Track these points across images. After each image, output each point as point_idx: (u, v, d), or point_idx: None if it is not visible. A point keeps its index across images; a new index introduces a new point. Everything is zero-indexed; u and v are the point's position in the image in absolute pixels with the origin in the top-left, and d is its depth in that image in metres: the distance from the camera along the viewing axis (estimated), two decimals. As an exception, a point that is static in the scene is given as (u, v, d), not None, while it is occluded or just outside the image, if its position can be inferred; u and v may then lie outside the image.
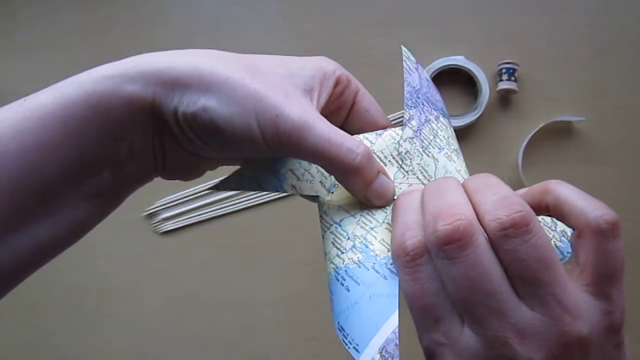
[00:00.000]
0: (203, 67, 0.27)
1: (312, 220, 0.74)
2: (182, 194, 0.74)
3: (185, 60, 0.27)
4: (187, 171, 0.33)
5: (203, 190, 0.74)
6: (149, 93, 0.27)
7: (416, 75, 0.38)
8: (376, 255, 0.31)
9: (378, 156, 0.33)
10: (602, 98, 0.72)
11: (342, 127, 0.31)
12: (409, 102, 0.35)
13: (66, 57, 0.77)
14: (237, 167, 0.33)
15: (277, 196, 0.72)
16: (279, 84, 0.28)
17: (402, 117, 0.72)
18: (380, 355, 0.30)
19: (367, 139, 0.34)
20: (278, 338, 0.72)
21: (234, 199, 0.74)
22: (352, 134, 0.30)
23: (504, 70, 0.70)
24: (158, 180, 0.72)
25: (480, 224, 0.26)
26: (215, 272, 0.73)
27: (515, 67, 0.70)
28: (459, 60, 0.70)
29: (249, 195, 0.73)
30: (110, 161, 0.27)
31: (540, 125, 0.70)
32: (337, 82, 0.33)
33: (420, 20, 0.74)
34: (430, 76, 0.70)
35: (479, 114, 0.70)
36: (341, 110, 0.35)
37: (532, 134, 0.70)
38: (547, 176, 0.72)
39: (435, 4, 0.74)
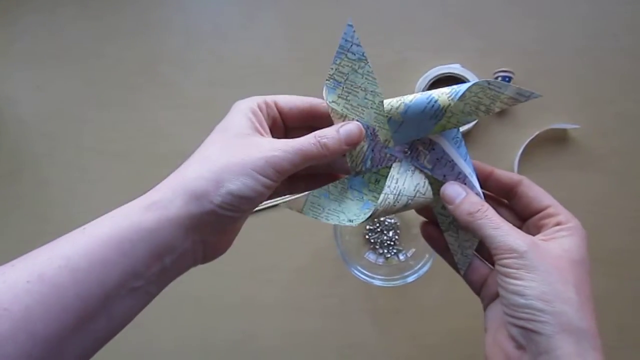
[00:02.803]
0: (214, 172, 0.35)
1: (308, 227, 0.75)
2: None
3: (200, 174, 0.35)
4: (222, 247, 0.43)
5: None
6: (183, 211, 0.34)
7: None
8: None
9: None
10: (597, 106, 0.72)
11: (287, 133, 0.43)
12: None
13: (67, 66, 0.78)
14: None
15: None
16: (243, 143, 0.37)
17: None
18: None
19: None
20: (276, 343, 0.72)
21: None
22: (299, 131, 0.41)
23: (499, 79, 0.71)
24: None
25: None
26: (213, 278, 0.73)
27: (510, 75, 0.71)
28: (455, 68, 0.71)
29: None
30: (158, 269, 0.35)
31: (536, 133, 0.70)
32: (260, 109, 0.41)
33: (417, 29, 0.75)
34: (427, 84, 0.71)
35: (474, 122, 0.70)
36: (277, 124, 0.43)
37: (527, 141, 0.70)
38: (542, 182, 0.72)
39: (432, 14, 0.75)
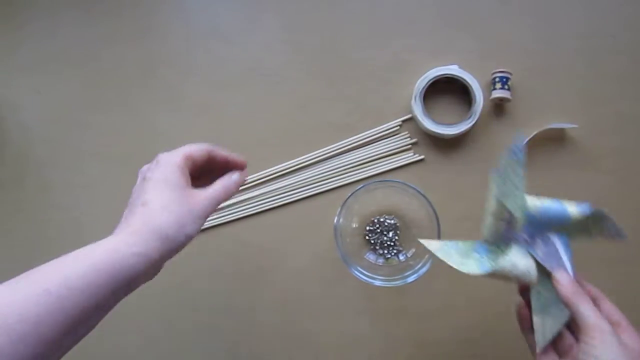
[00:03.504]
0: (177, 218, 0.48)
1: (309, 229, 0.75)
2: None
3: (168, 221, 0.47)
4: None
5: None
6: (159, 252, 0.46)
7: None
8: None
9: None
10: (594, 105, 0.73)
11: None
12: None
13: (69, 71, 0.78)
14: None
15: (286, 202, 0.73)
16: (185, 195, 0.50)
17: (394, 127, 0.73)
18: None
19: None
20: (276, 344, 0.73)
21: (231, 208, 0.74)
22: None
23: (497, 79, 0.71)
24: None
25: None
26: (215, 280, 0.74)
27: (508, 75, 0.71)
28: (453, 69, 0.72)
29: (246, 205, 0.74)
30: (133, 288, 0.46)
31: (534, 133, 0.71)
32: (185, 164, 0.51)
33: (415, 31, 0.75)
34: (425, 85, 0.71)
35: (473, 122, 0.71)
36: (215, 167, 0.56)
37: (526, 141, 0.71)
38: (540, 182, 0.73)
39: (429, 15, 0.75)
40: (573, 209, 0.53)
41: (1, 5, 0.80)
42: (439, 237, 0.63)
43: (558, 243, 0.54)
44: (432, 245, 0.55)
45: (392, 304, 0.72)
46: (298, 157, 0.74)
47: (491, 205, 0.55)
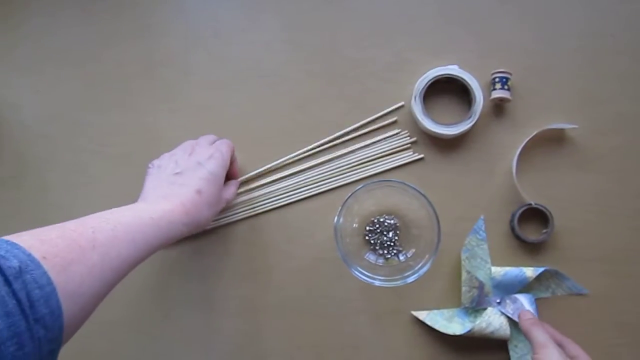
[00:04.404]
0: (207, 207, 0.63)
1: (308, 229, 0.75)
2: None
3: (203, 215, 0.61)
4: None
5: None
6: (187, 231, 0.59)
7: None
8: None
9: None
10: (594, 106, 0.73)
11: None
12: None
13: (68, 70, 0.78)
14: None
15: (281, 203, 0.73)
16: (220, 189, 0.65)
17: (394, 125, 0.73)
18: None
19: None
20: (277, 345, 0.73)
21: (230, 209, 0.74)
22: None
23: (497, 79, 0.71)
24: None
25: None
26: (214, 280, 0.74)
27: (508, 76, 0.71)
28: (453, 69, 0.72)
29: (247, 205, 0.74)
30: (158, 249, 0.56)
31: (534, 133, 0.71)
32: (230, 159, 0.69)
33: (415, 31, 0.75)
34: (425, 85, 0.71)
35: (473, 122, 0.71)
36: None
37: (525, 141, 0.71)
38: (541, 183, 0.73)
39: (429, 15, 0.75)
40: (529, 271, 0.68)
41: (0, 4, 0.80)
42: (438, 238, 0.63)
43: (523, 299, 0.68)
44: (421, 314, 0.70)
45: (393, 304, 0.72)
46: (297, 157, 0.74)
47: (465, 277, 0.67)
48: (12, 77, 0.79)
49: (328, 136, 0.74)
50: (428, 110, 0.72)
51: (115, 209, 0.54)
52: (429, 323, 0.69)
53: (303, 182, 0.74)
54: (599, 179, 0.72)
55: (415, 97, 0.71)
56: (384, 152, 0.73)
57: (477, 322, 0.66)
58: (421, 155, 0.73)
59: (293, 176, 0.74)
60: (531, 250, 0.71)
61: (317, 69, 0.76)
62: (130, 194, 0.72)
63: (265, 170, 0.75)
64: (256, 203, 0.74)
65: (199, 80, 0.77)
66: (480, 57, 0.74)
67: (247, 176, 0.74)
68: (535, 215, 0.71)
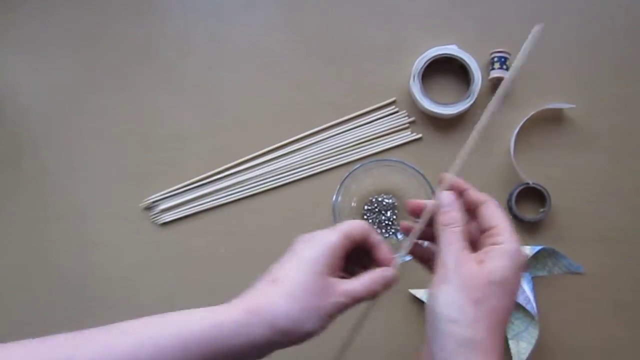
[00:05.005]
0: (297, 313, 0.42)
1: (306, 208, 0.75)
2: (181, 185, 0.75)
3: (287, 313, 0.41)
4: None
5: (200, 180, 0.75)
6: (266, 340, 0.41)
7: None
8: None
9: None
10: (592, 86, 0.73)
11: None
12: None
13: (65, 51, 0.78)
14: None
15: (272, 185, 0.74)
16: (322, 286, 0.44)
17: (392, 105, 0.73)
18: None
19: None
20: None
21: (230, 189, 0.74)
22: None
23: (495, 59, 0.71)
24: (155, 172, 0.72)
25: None
26: (214, 262, 0.74)
27: (506, 55, 0.71)
28: (452, 49, 0.71)
29: (246, 185, 0.74)
30: None
31: (532, 113, 0.71)
32: (347, 239, 0.46)
33: (414, 10, 0.75)
34: (423, 65, 0.71)
35: (471, 102, 0.71)
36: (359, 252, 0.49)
37: (523, 121, 0.71)
38: (538, 162, 0.73)
39: (427, -6, 0.75)
40: (527, 250, 0.67)
41: (-4, -17, 0.79)
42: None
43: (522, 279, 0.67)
44: (419, 292, 0.69)
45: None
46: (296, 137, 0.74)
47: None
48: (10, 58, 0.78)
49: (326, 116, 0.74)
50: (426, 90, 0.72)
51: (147, 320, 0.43)
52: (426, 301, 0.69)
53: (301, 162, 0.74)
54: (596, 158, 0.72)
55: (413, 77, 0.71)
56: (383, 131, 0.74)
57: None
58: (419, 135, 0.73)
59: (291, 156, 0.74)
60: (528, 229, 0.71)
61: (315, 49, 0.76)
62: (129, 174, 0.73)
63: (263, 150, 0.75)
64: (253, 183, 0.74)
65: (197, 60, 0.76)
66: (479, 37, 0.74)
67: (245, 158, 0.75)
68: (533, 195, 0.71)
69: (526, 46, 0.47)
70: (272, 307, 0.42)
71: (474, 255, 0.43)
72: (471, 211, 0.47)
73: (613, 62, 0.73)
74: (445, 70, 0.73)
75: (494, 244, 0.43)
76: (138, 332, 0.40)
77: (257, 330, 0.41)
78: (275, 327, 0.41)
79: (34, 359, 0.37)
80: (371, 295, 0.46)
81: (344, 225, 0.46)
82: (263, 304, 0.42)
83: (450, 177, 0.48)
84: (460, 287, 0.41)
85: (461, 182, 0.49)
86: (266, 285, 0.44)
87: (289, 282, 0.43)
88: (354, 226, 0.46)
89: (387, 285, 0.47)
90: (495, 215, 0.45)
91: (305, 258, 0.45)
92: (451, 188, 0.48)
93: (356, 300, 0.45)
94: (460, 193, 0.48)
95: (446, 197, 0.47)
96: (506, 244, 0.42)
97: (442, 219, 0.45)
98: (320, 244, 0.45)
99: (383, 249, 0.48)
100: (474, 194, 0.48)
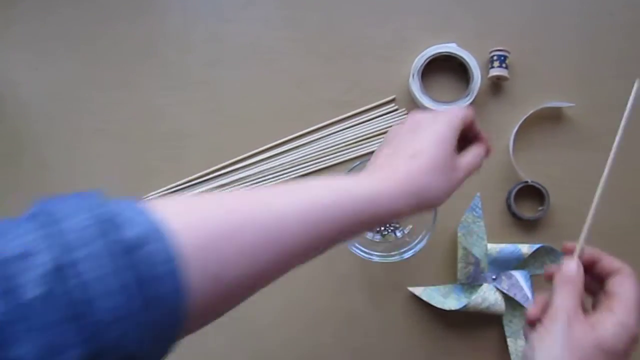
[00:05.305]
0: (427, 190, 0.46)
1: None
2: (181, 183, 0.75)
3: (424, 183, 0.45)
4: None
5: (200, 177, 0.75)
6: (407, 209, 0.44)
7: None
8: None
9: None
10: (592, 84, 0.73)
11: None
12: None
13: (66, 47, 0.78)
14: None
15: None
16: (451, 167, 0.48)
17: (391, 103, 0.73)
18: None
19: None
20: (273, 319, 0.73)
21: (230, 186, 0.75)
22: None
23: (495, 58, 0.71)
24: (155, 169, 0.72)
25: None
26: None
27: (506, 54, 0.71)
28: (451, 47, 0.72)
29: (245, 182, 0.74)
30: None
31: (531, 111, 0.71)
32: (463, 122, 0.50)
33: (414, 9, 0.75)
34: (422, 63, 0.71)
35: (470, 100, 0.71)
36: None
37: (522, 119, 0.71)
38: (537, 160, 0.74)
39: (427, -8, 0.75)
40: (525, 248, 0.69)
41: (-4, -20, 0.79)
42: (435, 214, 0.63)
43: (519, 276, 0.68)
44: (417, 290, 0.71)
45: (390, 279, 0.72)
46: (295, 135, 0.75)
47: (461, 254, 0.68)
48: (11, 55, 0.79)
49: (326, 114, 0.74)
50: (426, 88, 0.72)
51: (300, 183, 0.42)
52: (425, 299, 0.70)
53: (301, 159, 0.74)
54: (595, 157, 0.72)
55: (413, 75, 0.72)
56: (382, 129, 0.74)
57: (473, 297, 0.67)
58: (419, 133, 0.73)
59: (290, 153, 0.75)
60: (527, 227, 0.72)
61: (315, 47, 0.76)
62: (129, 171, 0.73)
63: (263, 148, 0.75)
64: (253, 180, 0.75)
65: (197, 58, 0.77)
66: (478, 36, 0.74)
67: (245, 155, 0.75)
68: (532, 193, 0.72)
69: (631, 102, 0.52)
70: (420, 181, 0.45)
71: (586, 317, 0.44)
72: (603, 277, 0.48)
73: (613, 61, 0.73)
74: (445, 69, 0.73)
75: (611, 310, 0.43)
76: (314, 191, 0.41)
77: (407, 201, 0.44)
78: (420, 199, 0.44)
79: (241, 198, 0.39)
80: (475, 169, 0.50)
81: (461, 110, 0.50)
82: (412, 179, 0.45)
83: (579, 248, 0.49)
84: (565, 346, 0.42)
85: (594, 254, 0.50)
86: (407, 160, 0.46)
87: (429, 157, 0.45)
88: (468, 113, 0.50)
89: (482, 158, 0.52)
90: (624, 284, 0.46)
91: (440, 135, 0.47)
92: (582, 260, 0.48)
93: (468, 174, 0.49)
94: (592, 263, 0.49)
95: (570, 268, 0.47)
96: (624, 316, 0.43)
97: (560, 277, 0.47)
98: (447, 122, 0.48)
99: (477, 125, 0.53)
100: (609, 263, 0.48)
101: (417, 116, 0.50)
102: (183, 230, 0.33)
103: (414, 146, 0.47)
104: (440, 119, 0.48)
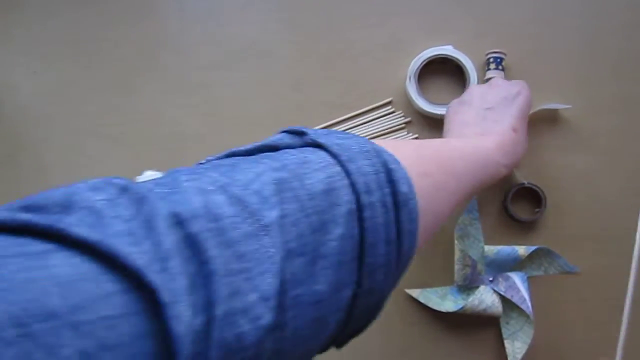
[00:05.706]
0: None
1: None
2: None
3: (520, 154, 0.58)
4: None
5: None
6: (504, 172, 0.54)
7: None
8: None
9: None
10: (589, 86, 0.73)
11: None
12: None
13: (65, 51, 0.78)
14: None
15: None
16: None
17: (388, 105, 0.74)
18: None
19: None
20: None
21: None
22: None
23: (491, 60, 0.71)
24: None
25: None
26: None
27: (502, 56, 0.71)
28: (448, 49, 0.72)
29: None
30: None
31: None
32: None
33: (410, 11, 0.75)
34: (419, 65, 0.71)
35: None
36: None
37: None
38: (534, 163, 0.74)
39: (424, -5, 0.75)
40: (522, 250, 0.69)
41: (-5, -16, 0.80)
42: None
43: (516, 278, 0.68)
44: (414, 292, 0.71)
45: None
46: (293, 137, 0.75)
47: (458, 255, 0.68)
48: (10, 58, 0.79)
49: (323, 116, 0.75)
50: (423, 91, 0.72)
51: (435, 141, 0.49)
52: (422, 301, 0.70)
53: (298, 162, 0.74)
54: (592, 159, 0.73)
55: (409, 77, 0.72)
56: (379, 131, 0.74)
57: (470, 299, 0.67)
58: (415, 135, 0.74)
59: (289, 156, 0.75)
60: (524, 229, 0.72)
61: (312, 49, 0.76)
62: (128, 174, 0.73)
63: (261, 150, 0.75)
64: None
65: (195, 60, 0.77)
66: (475, 38, 0.74)
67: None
68: (528, 195, 0.72)
69: None
70: (517, 152, 0.57)
71: None
72: None
73: (610, 62, 0.73)
74: (442, 71, 0.73)
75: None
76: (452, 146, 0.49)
77: (507, 167, 0.54)
78: (511, 166, 0.55)
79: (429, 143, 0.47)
80: None
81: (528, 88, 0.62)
82: (514, 149, 0.55)
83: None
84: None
85: None
86: (511, 134, 0.56)
87: (521, 133, 0.57)
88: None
89: None
90: None
91: (526, 113, 0.60)
92: None
93: None
94: None
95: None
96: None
97: None
98: (528, 102, 0.61)
99: None
100: None
101: (501, 83, 0.62)
102: (417, 182, 0.36)
103: (515, 122, 0.57)
104: (524, 95, 0.60)
